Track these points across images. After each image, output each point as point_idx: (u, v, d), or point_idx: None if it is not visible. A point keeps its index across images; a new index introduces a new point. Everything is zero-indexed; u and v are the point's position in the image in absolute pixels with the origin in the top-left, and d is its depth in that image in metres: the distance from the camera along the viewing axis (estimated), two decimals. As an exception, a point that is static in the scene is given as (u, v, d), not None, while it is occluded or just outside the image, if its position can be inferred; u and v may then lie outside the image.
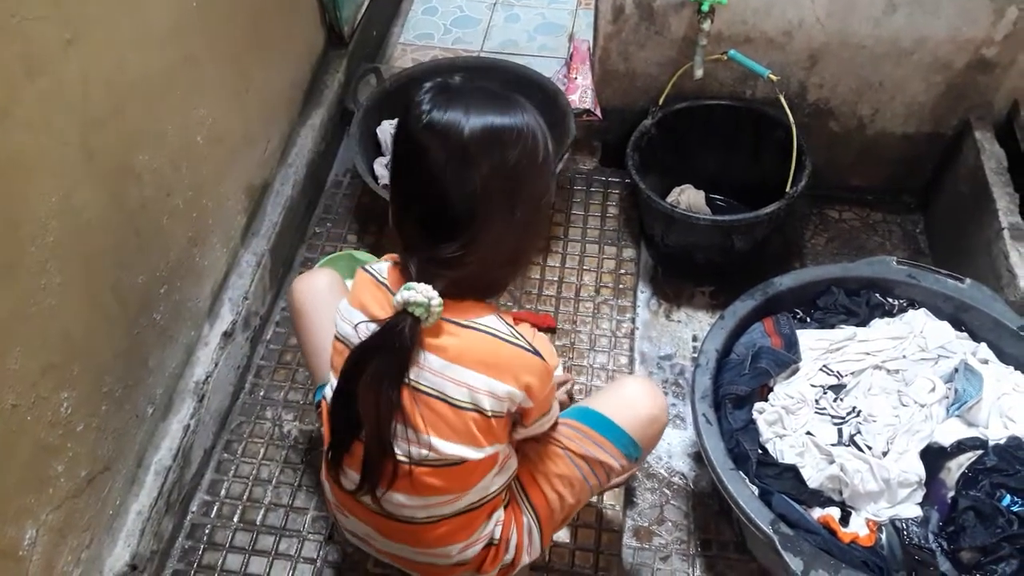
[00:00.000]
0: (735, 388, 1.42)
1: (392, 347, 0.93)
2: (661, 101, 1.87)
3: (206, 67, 1.50)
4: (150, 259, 1.36)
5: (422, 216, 0.93)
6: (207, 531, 1.48)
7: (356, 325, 1.00)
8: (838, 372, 1.47)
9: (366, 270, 1.05)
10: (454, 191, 0.89)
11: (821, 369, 1.47)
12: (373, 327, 0.96)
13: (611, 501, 1.51)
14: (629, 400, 1.22)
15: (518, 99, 0.96)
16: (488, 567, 1.16)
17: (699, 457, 1.58)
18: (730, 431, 1.38)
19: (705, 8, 1.64)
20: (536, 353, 0.99)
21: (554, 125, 1.93)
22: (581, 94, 2.01)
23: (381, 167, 1.95)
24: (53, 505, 1.17)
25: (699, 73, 1.75)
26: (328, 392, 1.07)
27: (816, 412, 1.42)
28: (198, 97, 1.48)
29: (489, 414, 0.98)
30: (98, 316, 1.24)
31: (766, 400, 1.45)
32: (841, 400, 1.44)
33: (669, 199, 2.01)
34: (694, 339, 1.80)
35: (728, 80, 1.89)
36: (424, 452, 0.99)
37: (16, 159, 1.02)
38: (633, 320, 1.78)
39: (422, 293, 0.91)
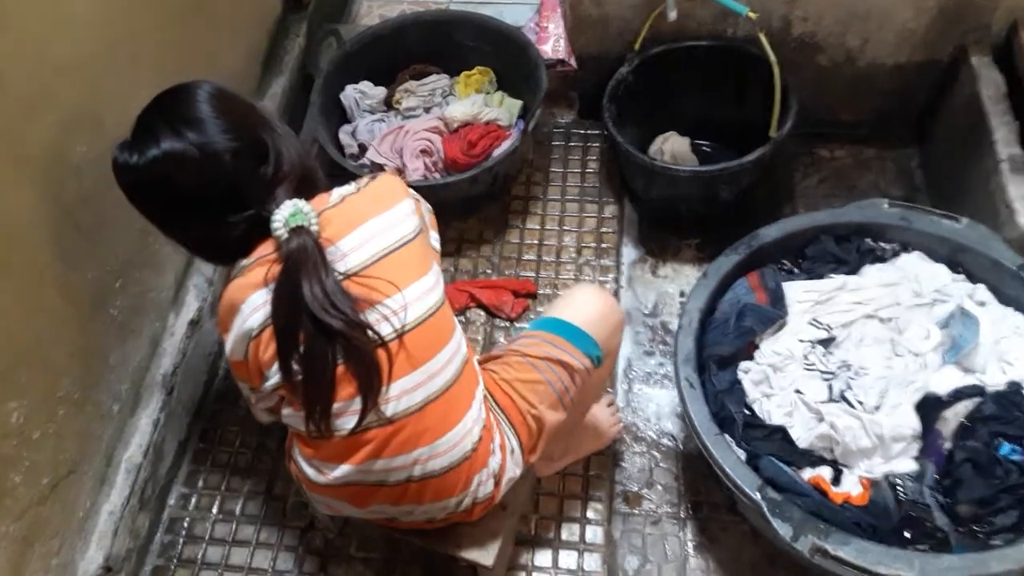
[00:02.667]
0: (719, 349, 1.35)
1: (307, 261, 0.97)
2: (637, 46, 1.77)
3: (145, 45, 1.42)
4: (98, 253, 1.30)
5: (236, 177, 1.01)
6: (186, 524, 1.45)
7: (266, 300, 0.99)
8: (827, 325, 1.40)
9: (228, 284, 1.05)
10: (229, 147, 1.00)
11: (810, 323, 1.41)
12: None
13: (597, 469, 1.47)
14: (578, 302, 1.24)
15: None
16: (480, 463, 1.12)
17: (689, 418, 1.53)
18: (715, 393, 1.33)
19: (673, -56, 1.53)
20: (374, 177, 1.12)
21: (526, 79, 1.85)
22: (554, 43, 1.91)
23: (347, 135, 1.87)
24: (13, 517, 1.14)
25: (672, 15, 1.64)
26: (271, 383, 1.03)
27: (805, 368, 1.36)
28: (137, 77, 1.39)
29: (420, 229, 1.09)
30: (45, 319, 1.18)
31: (752, 359, 1.39)
32: (831, 354, 1.37)
33: (652, 148, 1.93)
34: (681, 295, 1.73)
35: (707, 19, 1.78)
36: (403, 315, 1.02)
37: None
38: (616, 279, 1.72)
39: (287, 206, 0.98)
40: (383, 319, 1.02)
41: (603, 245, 1.77)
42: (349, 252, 1.03)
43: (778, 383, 1.35)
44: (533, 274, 1.73)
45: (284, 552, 1.40)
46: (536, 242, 1.79)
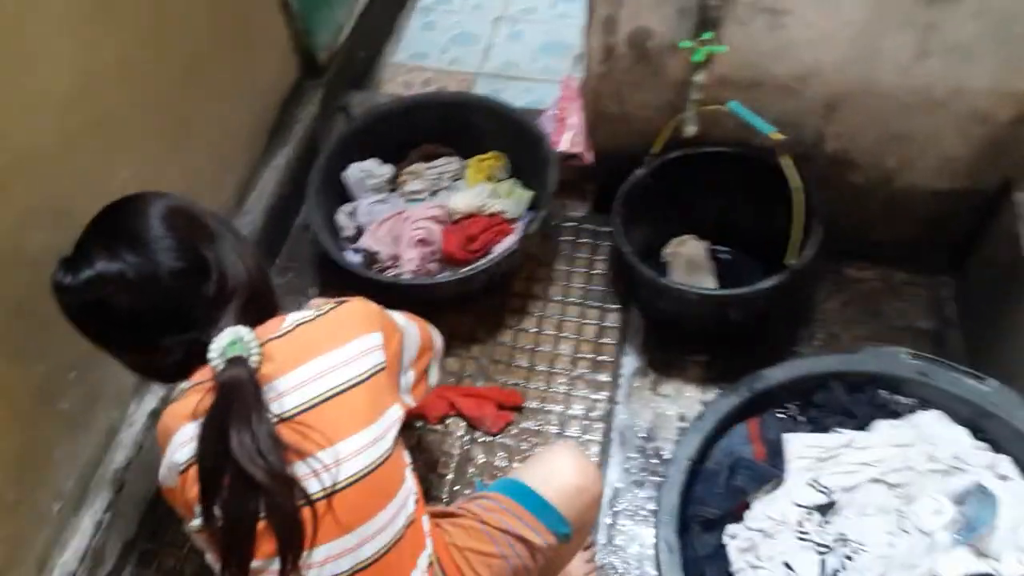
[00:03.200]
0: (705, 510, 1.23)
1: (239, 398, 0.88)
2: (656, 150, 1.67)
3: (128, 123, 1.36)
4: (51, 347, 1.23)
5: (175, 302, 0.94)
6: (122, 636, 1.36)
7: (195, 435, 0.89)
8: (828, 487, 1.27)
9: (166, 408, 0.96)
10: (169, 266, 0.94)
11: (809, 483, 1.27)
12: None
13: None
14: (553, 469, 1.11)
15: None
16: None
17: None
18: (695, 559, 1.20)
19: (699, 58, 1.43)
20: (342, 302, 1.01)
21: (538, 172, 1.77)
22: (571, 137, 1.82)
23: (345, 216, 1.80)
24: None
25: (691, 130, 1.54)
26: (195, 524, 0.92)
27: (798, 537, 1.22)
28: (118, 159, 1.34)
29: (379, 368, 0.98)
30: (-26, 422, 1.11)
31: (742, 519, 1.26)
32: (829, 523, 1.24)
33: (666, 251, 1.82)
34: (681, 419, 1.60)
35: (731, 125, 1.67)
36: (334, 472, 0.91)
37: None
38: (611, 399, 1.60)
39: (226, 334, 0.90)
40: (312, 474, 0.91)
41: (600, 357, 1.65)
42: (286, 392, 0.92)
43: (767, 552, 1.21)
44: (523, 383, 1.63)
45: None
46: (530, 347, 1.68)
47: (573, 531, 1.10)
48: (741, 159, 1.68)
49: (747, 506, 1.27)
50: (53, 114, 1.19)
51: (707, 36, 1.45)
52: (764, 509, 1.25)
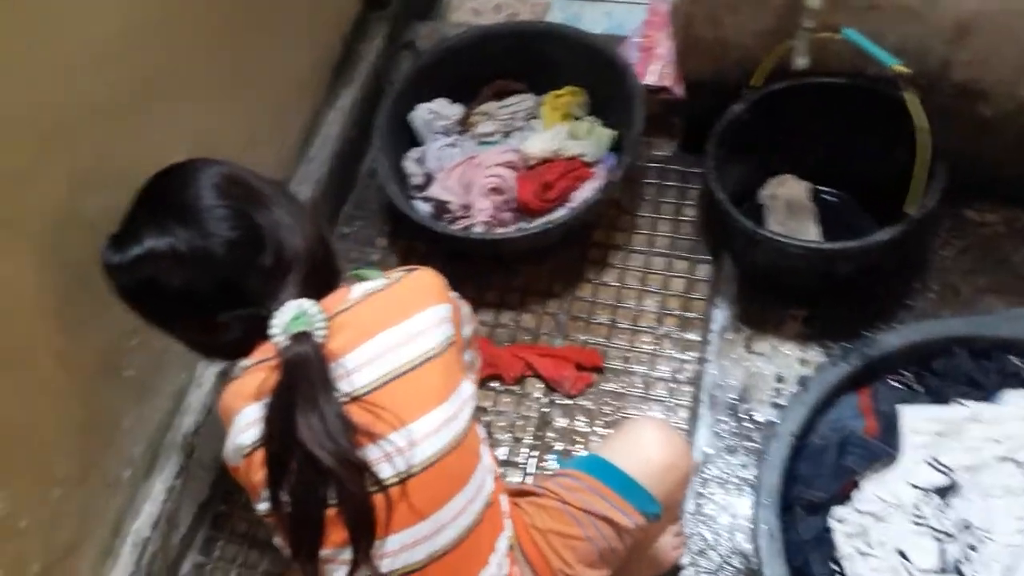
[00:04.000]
0: (810, 492, 1.12)
1: (305, 378, 0.82)
2: (755, 82, 1.49)
3: (187, 73, 1.28)
4: (111, 313, 1.17)
5: (234, 273, 0.88)
6: (197, 599, 1.35)
7: (260, 418, 0.84)
8: (949, 467, 1.13)
9: (227, 386, 0.91)
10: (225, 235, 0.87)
11: (927, 462, 1.14)
12: None
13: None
14: (640, 444, 1.05)
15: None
16: None
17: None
18: (797, 544, 1.10)
19: (811, -21, 1.24)
20: (412, 270, 0.95)
21: (621, 107, 1.61)
22: (659, 68, 1.65)
23: (412, 162, 1.69)
24: (-5, 613, 1.05)
25: (802, 62, 1.36)
26: (262, 508, 0.88)
27: (914, 522, 1.10)
28: (178, 111, 1.27)
29: (451, 341, 0.92)
30: (39, 394, 1.08)
31: (849, 500, 1.14)
32: (949, 507, 1.11)
33: (764, 192, 1.66)
34: (777, 379, 1.48)
35: (845, 52, 1.47)
36: (408, 455, 0.85)
37: None
38: (700, 360, 1.48)
39: (289, 308, 0.84)
40: (385, 458, 0.85)
41: (689, 314, 1.53)
42: (355, 369, 0.86)
43: (878, 538, 1.10)
44: (603, 342, 1.52)
45: (294, 647, 1.28)
46: (612, 302, 1.56)
47: (662, 509, 1.02)
48: (853, 91, 1.49)
49: (856, 486, 1.14)
50: (105, 69, 1.11)
51: (822, -44, 1.26)
52: (875, 490, 1.12)
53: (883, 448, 1.13)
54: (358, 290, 0.93)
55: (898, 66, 1.27)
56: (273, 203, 0.92)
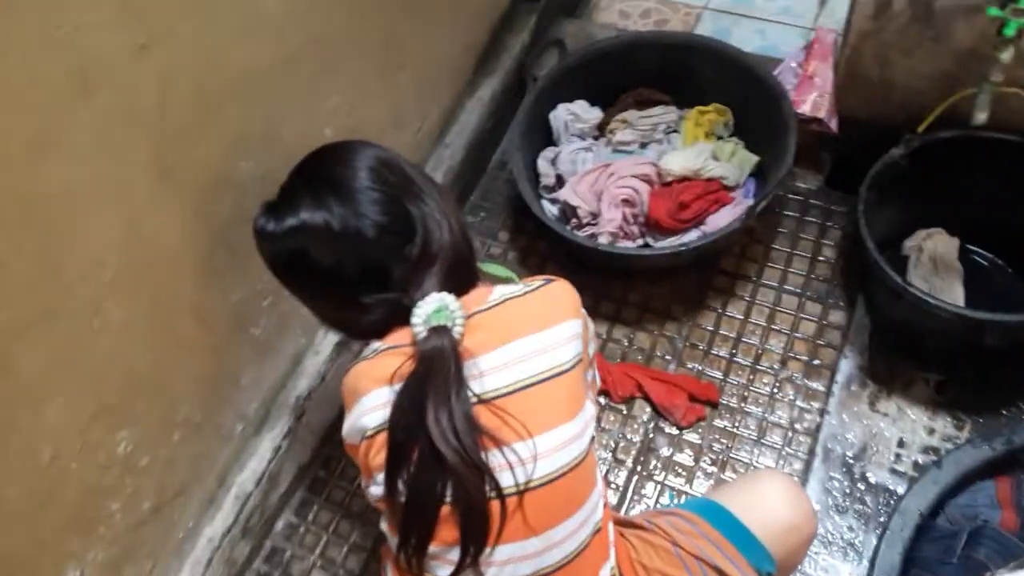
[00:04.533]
0: (932, 579, 1.05)
1: (440, 371, 0.82)
2: (922, 128, 1.40)
3: (342, 47, 1.29)
4: (249, 273, 1.21)
5: (380, 256, 0.89)
6: (285, 559, 1.38)
7: (388, 401, 0.84)
8: (1095, 580, 1.04)
9: (356, 365, 0.91)
10: (375, 218, 0.88)
11: (1070, 570, 1.05)
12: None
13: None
14: (764, 500, 1.00)
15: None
16: None
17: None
18: (912, 633, 1.03)
19: (1010, 32, 1.15)
20: (551, 280, 0.94)
21: (770, 134, 1.55)
22: (815, 98, 1.58)
23: (546, 162, 1.67)
24: (105, 543, 1.09)
25: (981, 118, 1.27)
26: (376, 491, 0.88)
27: (1047, 634, 1.02)
28: (329, 84, 1.28)
29: (580, 358, 0.90)
30: (172, 346, 1.11)
31: (975, 595, 1.07)
32: (1089, 624, 1.02)
33: (909, 243, 1.57)
34: (900, 444, 1.39)
35: (1022, 109, 1.38)
36: (530, 468, 0.84)
37: (60, 194, 0.87)
38: (822, 412, 1.41)
39: (432, 299, 0.85)
40: (507, 466, 0.83)
41: (816, 361, 1.46)
42: (488, 372, 0.86)
43: (1003, 642, 1.02)
44: (720, 376, 1.46)
45: (372, 625, 1.30)
46: (734, 335, 1.51)
47: (776, 570, 0.97)
48: (1027, 151, 1.39)
49: (984, 581, 1.07)
50: (269, 34, 1.12)
51: (1022, 5, 1.17)
52: (1006, 589, 1.05)
53: (1020, 546, 1.05)
54: (498, 292, 0.92)
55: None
56: (425, 195, 0.92)
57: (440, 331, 0.84)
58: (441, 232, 0.90)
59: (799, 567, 1.25)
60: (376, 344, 0.91)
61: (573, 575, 0.89)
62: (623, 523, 1.02)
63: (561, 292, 0.94)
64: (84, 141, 0.88)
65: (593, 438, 0.92)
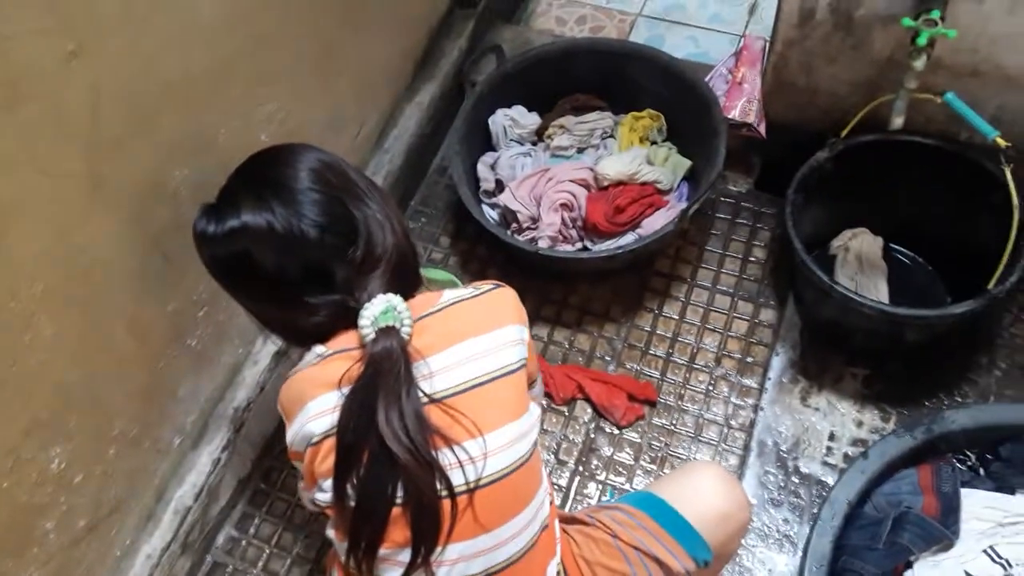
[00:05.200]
0: (860, 565, 1.10)
1: (390, 371, 0.82)
2: (845, 133, 1.47)
3: (278, 53, 1.28)
4: (184, 283, 1.19)
5: (319, 257, 0.88)
6: (227, 573, 1.36)
7: (336, 405, 0.84)
8: (1007, 560, 1.11)
9: (299, 371, 0.90)
10: (318, 219, 0.87)
11: (985, 551, 1.11)
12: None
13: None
14: (699, 490, 1.02)
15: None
16: None
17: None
18: (843, 617, 1.08)
19: (922, 42, 1.21)
20: (499, 286, 0.96)
21: (702, 139, 1.59)
22: (744, 104, 1.63)
23: (485, 167, 1.68)
24: (39, 563, 1.06)
25: (898, 122, 1.33)
26: (323, 497, 0.88)
27: (967, 613, 1.08)
28: (265, 90, 1.27)
29: (524, 362, 0.92)
30: (106, 359, 1.08)
31: (900, 579, 1.12)
32: (1004, 602, 1.09)
33: (836, 243, 1.63)
34: (831, 437, 1.45)
35: (938, 115, 1.45)
36: (480, 465, 0.85)
37: (-16, 207, 0.85)
38: (755, 408, 1.45)
39: (379, 301, 0.85)
40: (457, 464, 0.84)
41: (749, 359, 1.51)
42: (437, 372, 0.87)
43: (926, 622, 1.08)
44: (657, 375, 1.50)
45: (316, 638, 1.29)
46: (670, 335, 1.55)
47: (713, 558, 1.00)
48: (942, 155, 1.47)
49: (909, 566, 1.12)
50: (204, 41, 1.11)
51: (934, 15, 1.23)
52: (927, 573, 1.10)
53: (941, 530, 1.10)
54: (447, 296, 0.93)
55: (998, 138, 1.24)
56: (368, 197, 0.92)
57: (388, 332, 0.84)
58: (384, 234, 0.90)
59: (735, 556, 1.29)
60: (320, 349, 0.91)
61: (522, 572, 0.91)
62: (566, 519, 1.05)
63: (507, 297, 0.95)
64: (8, 151, 0.85)
65: (537, 439, 0.94)
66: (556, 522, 0.99)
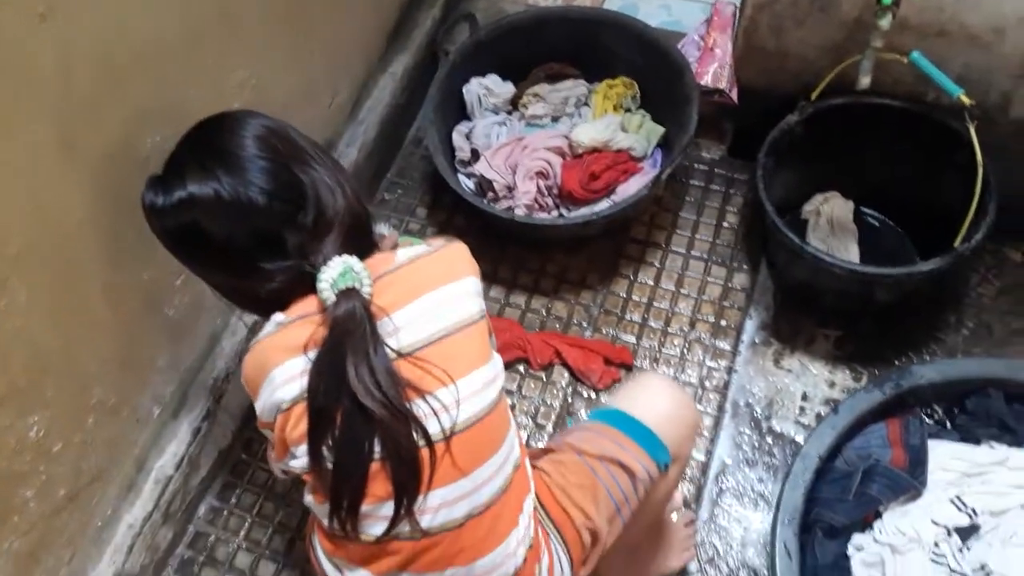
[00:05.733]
0: (831, 515, 1.13)
1: (354, 331, 0.83)
2: (814, 96, 1.48)
3: (248, 20, 1.27)
4: (158, 252, 1.16)
5: (268, 223, 0.87)
6: (209, 543, 1.37)
7: (304, 370, 0.84)
8: (973, 509, 1.14)
9: (260, 340, 0.90)
10: (266, 186, 0.87)
11: (951, 500, 1.15)
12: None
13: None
14: (649, 395, 1.07)
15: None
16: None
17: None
18: (814, 568, 1.11)
19: (887, 0, 1.23)
20: (452, 240, 0.97)
21: (674, 105, 1.60)
22: (716, 69, 1.64)
23: (461, 136, 1.68)
24: (20, 532, 1.06)
25: (865, 82, 1.35)
26: (298, 464, 0.88)
27: (932, 560, 1.11)
28: (236, 57, 1.26)
29: (484, 313, 0.94)
30: (82, 326, 1.08)
31: (870, 528, 1.15)
32: (968, 549, 1.12)
33: (808, 207, 1.66)
34: (804, 397, 1.48)
35: (905, 76, 1.47)
36: (454, 412, 0.87)
37: (-45, 170, 0.84)
38: (729, 370, 1.48)
39: (336, 263, 0.85)
40: (432, 414, 0.85)
41: (723, 322, 1.53)
42: (402, 327, 0.87)
43: (894, 571, 1.11)
44: (633, 340, 1.52)
45: (299, 603, 1.30)
46: (645, 301, 1.56)
47: (671, 460, 1.04)
48: (909, 116, 1.49)
49: (878, 515, 1.15)
50: (175, 6, 1.10)
51: (899, -26, 1.25)
52: (896, 522, 1.14)
53: (909, 480, 1.13)
54: (403, 254, 0.93)
55: (963, 96, 1.26)
56: (316, 162, 0.92)
57: (349, 293, 0.84)
58: (334, 198, 0.90)
59: (688, 458, 1.30)
60: (279, 317, 0.90)
61: (502, 511, 0.92)
62: (535, 455, 1.06)
63: (462, 251, 0.97)
64: (-22, 115, 0.85)
65: (502, 385, 0.95)
66: (527, 460, 1.01)
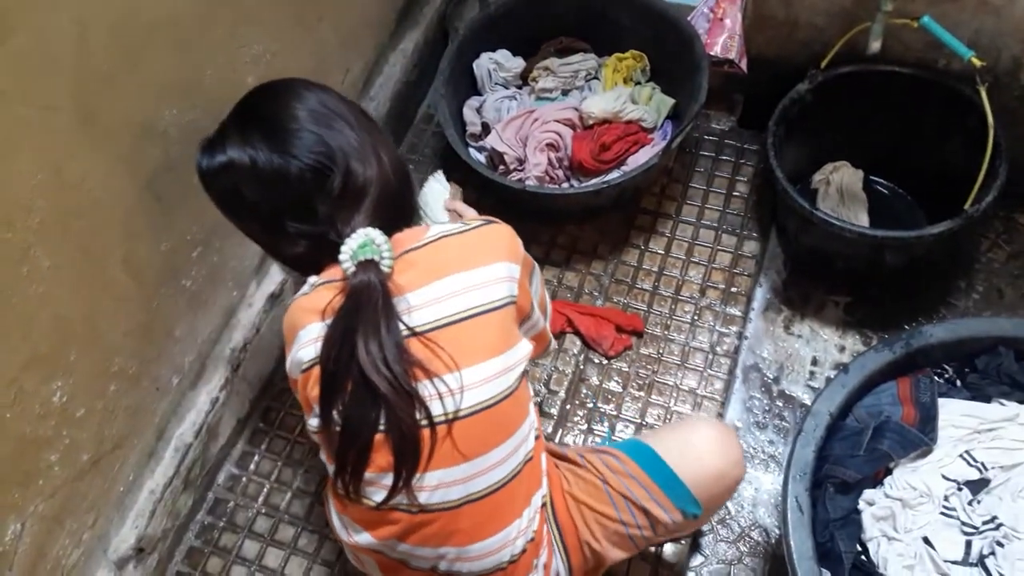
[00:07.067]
0: (842, 471, 1.13)
1: (368, 304, 0.83)
2: (824, 64, 1.49)
3: (262, -3, 1.28)
4: (177, 223, 1.21)
5: (300, 192, 0.89)
6: (229, 509, 1.39)
7: (321, 335, 0.86)
8: (983, 463, 1.15)
9: (296, 299, 0.93)
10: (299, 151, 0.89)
11: (961, 456, 1.16)
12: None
13: (671, 557, 1.29)
14: (695, 448, 1.02)
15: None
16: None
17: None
18: (826, 522, 1.12)
19: (896, -38, 1.23)
20: (491, 222, 0.96)
21: (684, 76, 1.61)
22: (725, 40, 1.64)
23: (471, 111, 1.69)
24: (45, 496, 1.09)
25: (875, 46, 1.35)
26: (315, 421, 0.90)
27: (942, 513, 1.12)
28: (251, 32, 1.27)
29: (512, 299, 0.92)
30: (103, 295, 1.11)
31: (881, 484, 1.16)
32: (978, 502, 1.13)
33: (817, 177, 1.66)
34: (814, 362, 1.49)
35: (916, 43, 1.47)
36: (458, 398, 0.87)
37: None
38: (740, 335, 1.49)
39: (357, 235, 0.86)
40: (436, 396, 0.86)
41: (733, 289, 1.54)
42: (418, 307, 0.88)
43: (905, 524, 1.12)
44: (644, 307, 1.53)
45: (319, 567, 1.33)
46: (656, 269, 1.58)
47: (703, 512, 1.02)
48: (919, 83, 1.49)
49: (888, 471, 1.16)
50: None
51: (910, -66, 1.25)
52: (907, 477, 1.14)
53: (919, 437, 1.14)
54: (435, 230, 0.93)
55: (974, 57, 1.26)
56: (355, 131, 0.92)
57: (367, 265, 0.85)
58: (366, 168, 0.90)
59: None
60: (313, 279, 0.93)
61: (505, 500, 0.93)
62: (557, 455, 1.07)
63: (498, 234, 0.95)
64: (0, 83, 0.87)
65: (526, 372, 0.95)
66: (544, 455, 1.01)
